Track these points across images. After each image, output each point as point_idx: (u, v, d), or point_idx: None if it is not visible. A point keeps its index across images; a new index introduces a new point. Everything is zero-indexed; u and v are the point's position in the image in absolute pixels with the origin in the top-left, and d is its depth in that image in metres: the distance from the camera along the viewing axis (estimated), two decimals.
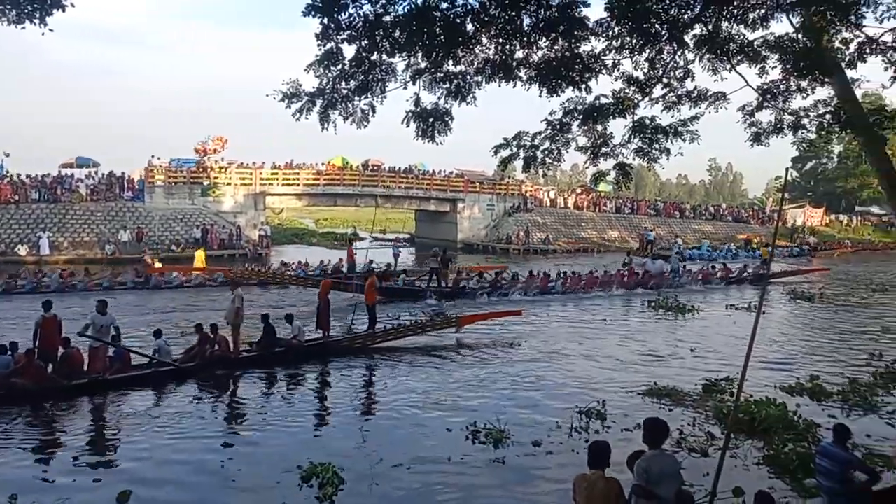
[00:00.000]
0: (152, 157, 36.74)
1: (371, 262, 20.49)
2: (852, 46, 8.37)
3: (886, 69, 8.24)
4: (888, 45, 8.13)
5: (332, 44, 7.17)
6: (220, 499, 7.73)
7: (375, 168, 43.64)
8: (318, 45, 7.17)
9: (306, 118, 8.10)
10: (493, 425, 9.39)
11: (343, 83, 7.98)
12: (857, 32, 8.27)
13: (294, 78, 7.98)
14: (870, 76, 8.67)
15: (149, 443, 9.06)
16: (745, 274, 28.08)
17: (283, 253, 36.65)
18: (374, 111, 8.26)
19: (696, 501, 5.86)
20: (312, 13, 6.69)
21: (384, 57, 7.57)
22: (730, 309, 21.02)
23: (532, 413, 10.40)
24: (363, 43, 7.20)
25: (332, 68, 7.56)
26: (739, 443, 9.10)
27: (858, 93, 8.47)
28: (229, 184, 37.07)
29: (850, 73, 8.17)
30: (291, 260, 28.53)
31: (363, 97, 7.97)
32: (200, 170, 36.75)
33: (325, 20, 6.84)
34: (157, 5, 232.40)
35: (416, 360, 13.90)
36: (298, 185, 39.47)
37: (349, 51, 7.58)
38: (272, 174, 38.82)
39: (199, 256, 26.96)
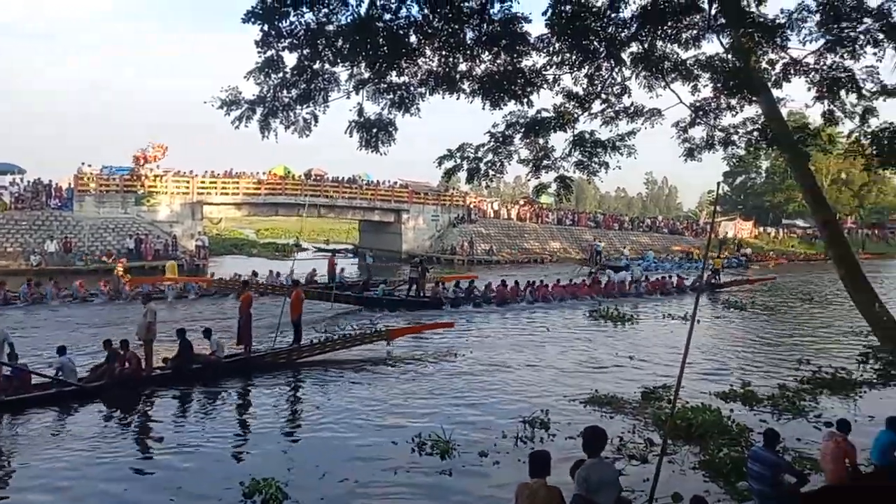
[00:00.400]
0: (82, 164, 35.22)
1: (291, 272, 19.25)
2: (778, 67, 8.80)
3: (809, 89, 8.70)
4: (811, 66, 8.59)
5: (273, 51, 7.05)
6: None
7: (318, 178, 43.13)
8: (259, 53, 7.04)
9: (246, 126, 7.92)
10: (438, 436, 9.33)
11: (284, 91, 7.86)
12: (783, 54, 8.71)
13: (233, 85, 7.82)
14: (794, 96, 9.16)
15: (48, 467, 8.40)
16: (699, 283, 28.85)
17: (222, 264, 35.72)
18: (316, 120, 8.17)
19: None
20: (252, 20, 6.56)
21: (326, 66, 7.50)
22: (666, 318, 21.65)
23: (477, 423, 10.37)
24: (305, 51, 7.11)
25: (273, 76, 7.43)
26: (677, 448, 9.30)
27: (784, 111, 8.90)
28: (165, 192, 35.86)
29: (776, 93, 8.59)
30: (231, 272, 27.74)
31: (305, 106, 7.87)
32: (134, 178, 35.46)
33: (266, 27, 6.71)
34: (81, 4, 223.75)
35: (352, 373, 13.55)
36: (238, 194, 38.56)
37: (291, 59, 7.48)
38: (210, 183, 37.79)
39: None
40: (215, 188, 37.73)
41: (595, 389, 12.11)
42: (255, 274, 24.89)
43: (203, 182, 37.40)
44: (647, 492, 6.92)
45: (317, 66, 7.47)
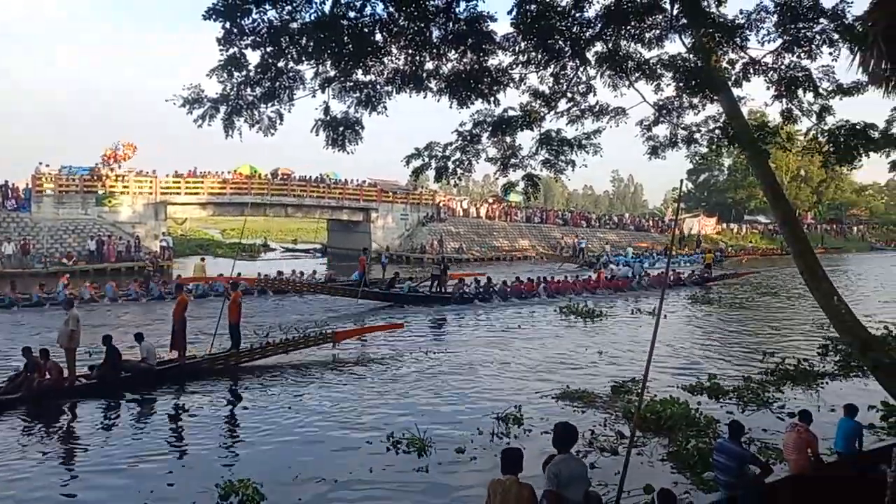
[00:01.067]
0: (40, 163, 34.22)
1: (239, 274, 18.50)
2: (738, 66, 8.97)
3: (768, 88, 8.90)
4: (769, 66, 8.78)
5: (236, 49, 6.93)
6: None
7: (285, 177, 42.66)
8: (221, 50, 6.91)
9: (209, 125, 7.78)
10: (412, 435, 9.37)
11: (248, 89, 7.74)
12: (742, 54, 8.88)
13: (196, 83, 7.67)
14: (754, 94, 9.36)
15: None
16: (694, 278, 31.29)
17: (187, 265, 35.04)
18: (281, 119, 8.06)
19: (604, 501, 6.05)
20: (213, 17, 6.44)
21: (291, 64, 7.40)
22: (635, 313, 22.04)
23: (451, 421, 10.43)
24: (268, 49, 7.01)
25: (236, 74, 7.31)
26: (647, 440, 9.52)
27: (745, 110, 9.07)
28: (127, 193, 35.09)
29: (736, 92, 8.74)
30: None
31: (270, 104, 7.76)
32: (95, 178, 34.60)
33: (228, 24, 6.59)
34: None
35: (299, 376, 13.19)
36: (203, 194, 37.93)
37: (254, 56, 7.37)
38: (174, 183, 37.09)
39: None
40: (179, 188, 37.04)
41: (567, 385, 12.29)
42: (279, 273, 26.35)
43: (167, 182, 36.70)
44: (617, 483, 7.05)
45: (281, 64, 7.37)
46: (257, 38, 6.84)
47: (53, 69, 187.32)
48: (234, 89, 7.62)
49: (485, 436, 9.66)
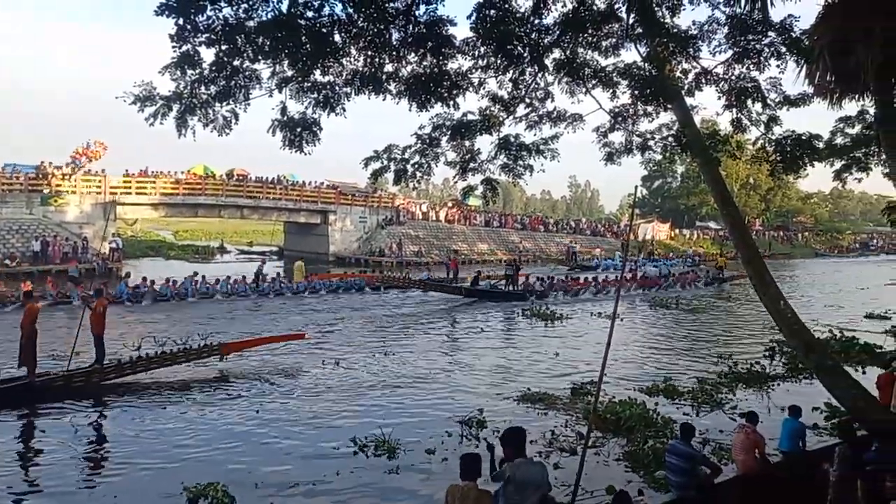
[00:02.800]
0: None
1: (103, 286, 17.04)
2: (690, 76, 9.22)
3: (719, 98, 9.16)
4: (720, 76, 9.04)
5: (189, 46, 6.76)
6: None
7: (241, 177, 41.89)
8: (174, 47, 6.73)
9: (161, 123, 7.57)
10: (377, 438, 9.38)
11: (202, 88, 7.55)
12: (695, 64, 9.12)
13: (147, 80, 7.45)
14: (706, 104, 9.63)
15: None
16: (709, 279, 34.89)
17: (138, 267, 34.06)
18: (236, 118, 7.89)
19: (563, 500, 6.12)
20: (166, 13, 6.26)
21: (247, 63, 7.26)
22: (595, 316, 22.41)
23: (417, 425, 10.43)
24: (223, 47, 6.85)
25: (190, 72, 7.12)
26: (606, 440, 9.70)
27: (697, 119, 9.31)
28: (74, 192, 33.89)
29: (689, 101, 8.98)
30: (145, 274, 26.49)
31: (224, 103, 7.59)
32: (41, 176, 33.33)
33: (181, 21, 6.42)
34: None
35: (188, 391, 12.28)
36: (155, 194, 36.92)
37: (209, 54, 7.20)
38: (124, 182, 36.01)
39: (300, 268, 29.21)
40: (129, 188, 35.99)
41: (527, 387, 12.41)
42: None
43: (116, 181, 35.62)
44: (589, 485, 7.24)
45: (236, 62, 7.21)
46: (212, 36, 6.68)
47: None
48: (188, 87, 7.42)
49: (454, 438, 9.72)
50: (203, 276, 25.37)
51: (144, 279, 23.73)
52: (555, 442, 9.60)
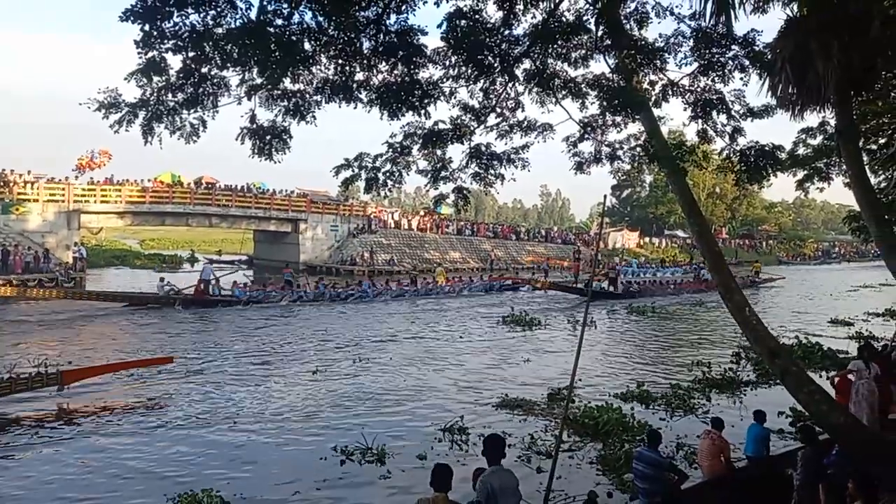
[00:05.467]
0: None
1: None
2: (657, 88, 9.36)
3: (685, 109, 9.32)
4: (686, 88, 9.20)
5: (155, 53, 6.64)
6: None
7: (209, 185, 41.33)
8: (139, 54, 6.61)
9: (126, 130, 7.41)
10: (360, 445, 9.51)
11: (170, 95, 7.42)
12: (661, 76, 9.27)
13: (112, 87, 7.30)
14: (673, 115, 9.80)
15: None
16: (747, 282, 38.91)
17: (102, 277, 33.36)
18: (204, 126, 7.75)
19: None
20: (131, 19, 6.15)
21: (215, 70, 7.16)
22: (570, 323, 22.70)
23: (401, 432, 10.54)
24: (190, 54, 6.76)
25: (156, 79, 7.00)
26: (583, 444, 9.96)
27: (664, 129, 9.47)
28: (36, 200, 33.04)
29: (656, 112, 9.11)
30: (113, 285, 25.95)
31: (192, 111, 7.47)
32: (2, 184, 32.44)
33: (147, 27, 6.31)
34: None
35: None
36: (120, 202, 36.20)
37: (176, 61, 7.09)
38: (88, 190, 35.25)
39: (441, 273, 35.76)
40: (94, 196, 35.23)
41: (506, 393, 12.51)
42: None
43: (80, 189, 34.85)
44: (555, 485, 7.34)
45: (204, 69, 7.11)
46: (179, 43, 6.57)
47: None
48: (154, 94, 7.29)
49: (444, 443, 9.92)
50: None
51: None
52: (533, 446, 9.80)
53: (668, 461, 7.60)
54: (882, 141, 13.29)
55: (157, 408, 11.62)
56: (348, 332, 20.08)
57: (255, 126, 8.00)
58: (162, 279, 26.53)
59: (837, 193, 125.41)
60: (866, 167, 11.09)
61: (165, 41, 6.55)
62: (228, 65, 7.05)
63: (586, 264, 44.44)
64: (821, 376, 13.50)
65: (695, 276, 37.69)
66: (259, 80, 7.59)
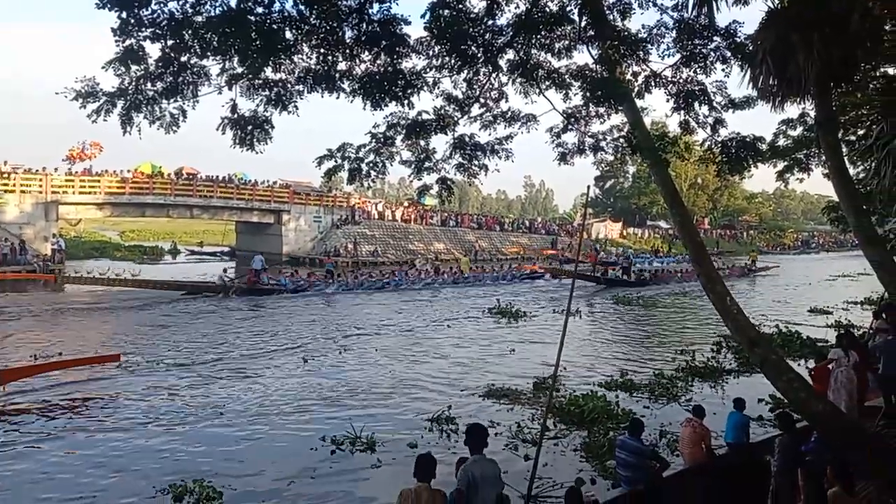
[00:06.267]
0: None
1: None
2: (640, 79, 9.38)
3: (668, 101, 9.36)
4: (669, 79, 9.24)
5: (133, 41, 6.53)
6: None
7: (190, 176, 40.87)
8: (117, 42, 6.49)
9: (105, 120, 7.29)
10: (348, 434, 9.57)
11: (148, 84, 7.30)
12: (644, 67, 9.30)
13: (90, 75, 7.17)
14: (655, 106, 9.85)
15: None
16: (745, 270, 42.44)
17: (81, 269, 32.87)
18: (184, 115, 7.65)
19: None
20: (108, 6, 6.03)
21: (195, 59, 7.05)
22: (555, 313, 22.85)
23: (388, 421, 10.63)
24: (169, 43, 6.65)
25: (135, 67, 6.88)
26: (569, 432, 10.08)
27: (647, 121, 9.49)
28: (13, 191, 32.46)
29: (639, 103, 9.13)
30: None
31: (172, 100, 7.36)
32: None
33: (124, 14, 6.20)
34: None
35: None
36: (99, 193, 35.67)
37: (154, 49, 6.97)
38: (66, 181, 34.69)
39: (465, 262, 37.29)
40: (73, 187, 34.70)
41: (492, 383, 12.60)
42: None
43: (59, 180, 34.29)
44: (540, 473, 7.50)
45: (184, 58, 7.01)
46: (157, 31, 6.46)
47: None
48: (133, 83, 7.17)
49: (434, 433, 10.05)
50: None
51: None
52: (519, 433, 9.92)
53: (650, 449, 7.68)
54: (861, 132, 13.44)
55: (126, 401, 11.55)
56: (368, 319, 20.89)
57: (236, 116, 7.91)
58: (224, 270, 28.56)
59: (817, 184, 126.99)
60: (845, 158, 11.23)
61: (143, 29, 6.44)
62: (208, 54, 6.95)
63: (564, 250, 48.10)
64: (799, 364, 13.70)
65: None
66: (240, 70, 7.49)
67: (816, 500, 5.14)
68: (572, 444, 9.61)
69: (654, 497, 6.99)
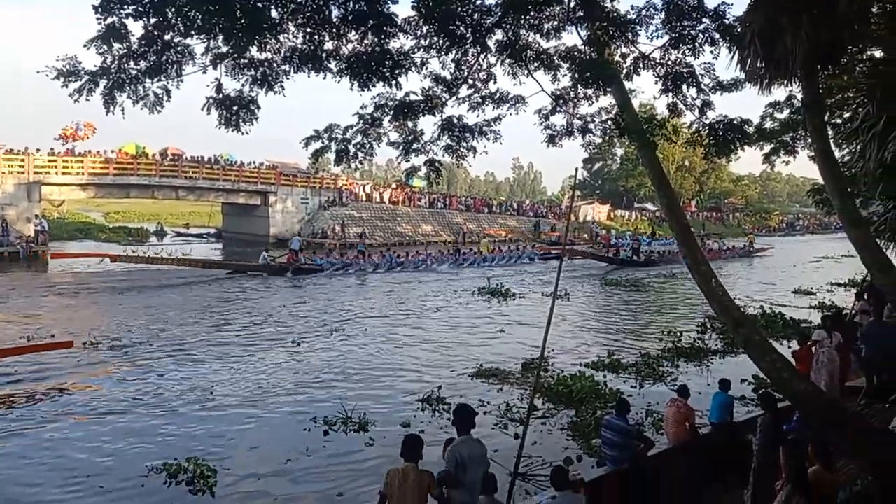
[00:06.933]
0: None
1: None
2: (629, 61, 9.35)
3: (656, 83, 9.34)
4: (657, 61, 9.21)
5: (115, 18, 6.40)
6: None
7: (175, 157, 40.41)
8: (98, 20, 6.36)
9: (87, 99, 7.17)
10: (339, 414, 9.70)
11: (132, 63, 7.17)
12: (633, 48, 9.26)
13: (71, 54, 7.03)
14: (644, 88, 9.84)
15: None
16: (743, 252, 45.83)
17: (66, 250, 32.55)
18: (169, 95, 7.53)
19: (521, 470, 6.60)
20: None
21: (179, 38, 6.93)
22: (542, 294, 23.07)
23: (381, 400, 10.82)
24: (152, 20, 6.52)
25: (117, 46, 6.75)
26: (558, 411, 10.29)
27: (635, 103, 9.47)
28: None
29: (628, 85, 9.11)
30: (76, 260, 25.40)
31: (155, 79, 7.24)
32: None
33: None
34: None
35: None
36: (83, 174, 35.21)
37: (137, 27, 6.84)
38: (49, 161, 34.19)
39: (486, 245, 40.00)
40: (55, 167, 34.21)
41: (480, 363, 12.71)
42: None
43: (41, 160, 33.78)
44: (527, 451, 7.67)
45: (168, 37, 6.88)
46: (139, 8, 6.34)
47: None
48: (115, 62, 7.04)
49: (426, 412, 10.23)
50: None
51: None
52: (508, 413, 10.11)
53: (635, 429, 7.79)
54: (847, 115, 13.50)
55: (121, 382, 11.62)
56: (380, 300, 21.61)
57: (221, 96, 7.79)
58: (267, 250, 30.90)
59: (802, 167, 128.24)
60: (831, 141, 11.29)
61: (125, 6, 6.31)
62: (192, 32, 6.83)
63: (542, 232, 50.71)
64: (782, 345, 13.91)
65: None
66: (225, 49, 7.37)
67: (797, 478, 5.24)
68: (560, 423, 9.76)
69: (639, 476, 7.10)
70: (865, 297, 12.27)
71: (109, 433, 9.28)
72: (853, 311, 13.19)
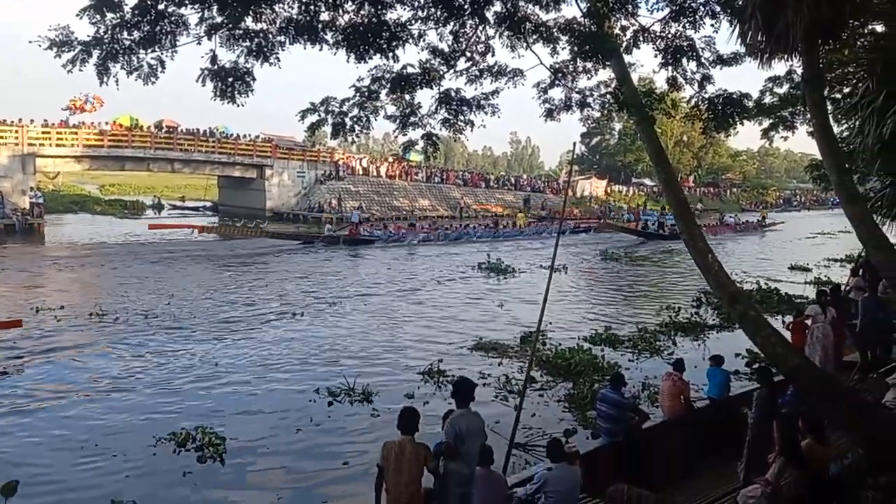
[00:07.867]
0: None
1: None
2: (629, 34, 9.24)
3: (656, 56, 9.25)
4: (657, 34, 9.11)
5: None
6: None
7: (170, 129, 40.05)
8: None
9: (80, 70, 7.08)
10: (341, 387, 9.86)
11: (125, 33, 7.07)
12: (633, 21, 9.15)
13: (64, 24, 6.92)
14: (643, 62, 9.75)
15: None
16: (757, 225, 48.92)
17: (62, 223, 32.45)
18: (163, 66, 7.44)
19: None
20: None
21: (173, 7, 6.82)
22: (539, 269, 23.18)
23: (383, 373, 11.01)
24: None
25: (111, 15, 6.65)
26: (555, 383, 10.47)
27: (634, 77, 9.39)
28: None
29: (627, 58, 9.02)
30: (74, 235, 25.35)
31: (149, 50, 7.14)
32: None
33: None
34: None
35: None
36: (77, 146, 34.91)
37: None
38: (43, 133, 33.87)
39: (521, 217, 43.09)
40: (49, 139, 33.90)
41: (480, 337, 12.81)
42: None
43: (35, 132, 33.45)
44: (524, 422, 7.77)
45: (161, 6, 6.78)
46: None
47: None
48: (109, 32, 6.94)
49: (429, 384, 10.38)
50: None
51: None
52: (507, 385, 10.29)
53: (630, 402, 7.89)
54: (846, 90, 13.40)
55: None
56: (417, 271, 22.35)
57: (216, 67, 7.70)
58: (330, 221, 35.13)
59: (801, 143, 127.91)
60: (830, 116, 11.23)
61: None
62: (186, 2, 6.73)
63: (533, 207, 50.90)
64: (777, 320, 14.02)
65: (719, 220, 47.66)
66: (219, 19, 7.26)
67: (790, 451, 5.32)
68: (557, 395, 9.90)
69: (633, 449, 7.20)
70: (861, 273, 12.33)
71: (117, 406, 9.41)
72: (848, 288, 13.27)
